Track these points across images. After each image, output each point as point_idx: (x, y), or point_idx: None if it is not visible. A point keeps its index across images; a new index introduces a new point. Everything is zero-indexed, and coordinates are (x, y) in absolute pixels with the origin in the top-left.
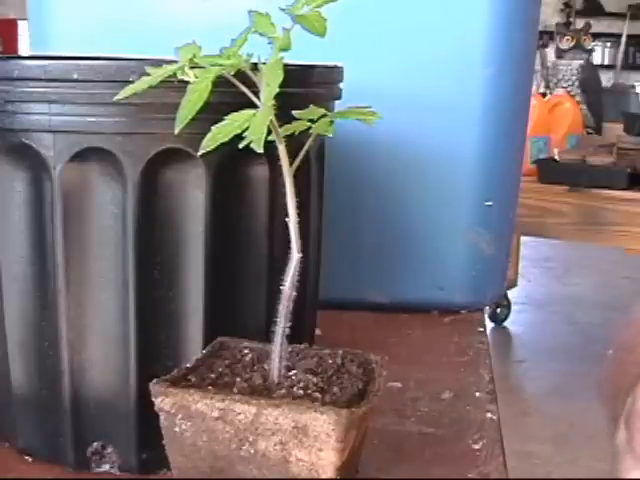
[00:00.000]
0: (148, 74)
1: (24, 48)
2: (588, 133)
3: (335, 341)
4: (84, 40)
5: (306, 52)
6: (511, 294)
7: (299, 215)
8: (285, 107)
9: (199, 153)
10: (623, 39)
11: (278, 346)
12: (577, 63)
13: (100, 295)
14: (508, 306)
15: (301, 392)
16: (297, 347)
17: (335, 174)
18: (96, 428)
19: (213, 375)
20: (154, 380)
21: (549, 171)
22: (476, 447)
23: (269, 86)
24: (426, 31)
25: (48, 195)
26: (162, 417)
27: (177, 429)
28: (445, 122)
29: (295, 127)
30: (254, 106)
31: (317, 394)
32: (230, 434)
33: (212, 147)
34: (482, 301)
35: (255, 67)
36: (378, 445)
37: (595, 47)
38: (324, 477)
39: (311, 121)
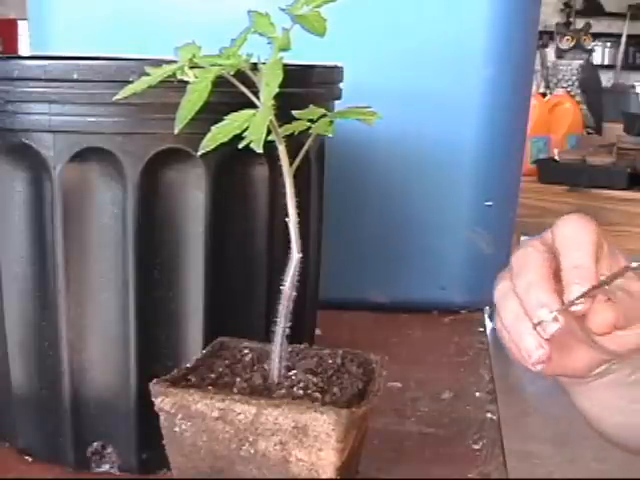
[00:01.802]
0: (148, 74)
1: (24, 48)
2: (588, 133)
3: (335, 341)
4: (84, 40)
5: (306, 52)
6: None
7: (299, 215)
8: (285, 107)
9: (199, 153)
10: (623, 39)
11: (278, 346)
12: (577, 63)
13: (100, 295)
14: None
15: (301, 392)
16: (297, 347)
17: (335, 174)
18: (96, 428)
19: (213, 375)
20: (154, 380)
21: (549, 171)
22: (476, 447)
23: (269, 86)
24: (426, 31)
25: (48, 195)
26: (162, 417)
27: (177, 429)
28: (445, 122)
29: (295, 127)
30: (254, 106)
31: (317, 394)
32: (230, 434)
33: (212, 147)
34: (482, 301)
35: (255, 67)
36: (378, 445)
37: (595, 47)
38: (324, 477)
39: (311, 121)
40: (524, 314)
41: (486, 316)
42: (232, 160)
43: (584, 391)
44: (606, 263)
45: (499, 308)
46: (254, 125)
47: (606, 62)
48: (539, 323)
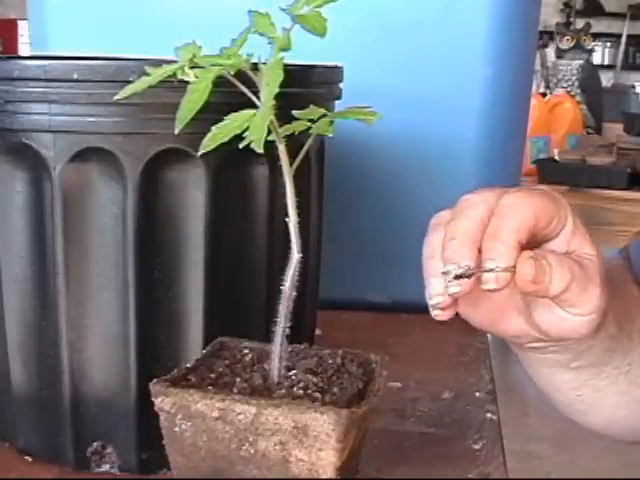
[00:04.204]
0: (148, 74)
1: (24, 48)
2: (588, 133)
3: (335, 341)
4: (84, 40)
5: (306, 52)
6: None
7: (299, 215)
8: (285, 107)
9: (199, 153)
10: (623, 39)
11: (278, 346)
12: (577, 63)
13: (100, 295)
14: None
15: (301, 392)
16: (297, 347)
17: (335, 174)
18: (96, 428)
19: (213, 375)
20: (154, 380)
21: (549, 171)
22: (476, 447)
23: (269, 86)
24: (426, 31)
25: (48, 195)
26: (162, 417)
27: (177, 429)
28: (445, 122)
29: (295, 127)
30: (254, 106)
31: (317, 394)
32: (230, 434)
33: (212, 147)
34: None
35: (255, 67)
36: (378, 445)
37: (595, 47)
38: (324, 477)
39: (311, 121)
40: (440, 255)
41: None
42: (232, 160)
43: (525, 359)
44: (561, 241)
45: (428, 234)
46: (254, 125)
47: (606, 62)
48: (446, 272)
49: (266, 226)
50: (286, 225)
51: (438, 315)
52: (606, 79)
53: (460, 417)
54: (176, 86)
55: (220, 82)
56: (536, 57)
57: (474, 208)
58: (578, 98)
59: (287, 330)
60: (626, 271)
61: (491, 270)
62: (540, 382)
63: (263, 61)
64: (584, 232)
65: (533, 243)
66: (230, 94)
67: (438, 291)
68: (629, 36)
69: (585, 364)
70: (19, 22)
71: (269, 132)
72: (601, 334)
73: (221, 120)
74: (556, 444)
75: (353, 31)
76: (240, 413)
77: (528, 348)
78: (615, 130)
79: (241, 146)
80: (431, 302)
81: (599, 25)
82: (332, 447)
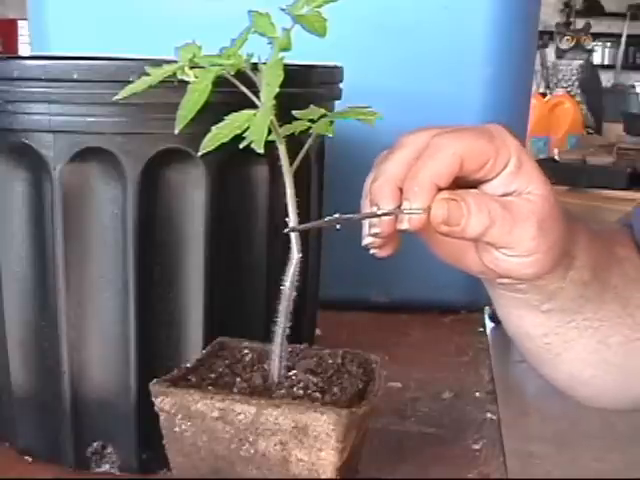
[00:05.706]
0: (148, 74)
1: (24, 48)
2: (588, 133)
3: (335, 341)
4: (84, 40)
5: (306, 52)
6: None
7: (299, 215)
8: (285, 107)
9: (199, 153)
10: (623, 39)
11: (278, 346)
12: (577, 63)
13: (100, 295)
14: None
15: (301, 392)
16: (297, 347)
17: (335, 174)
18: (96, 428)
19: (213, 375)
20: (154, 380)
21: (549, 171)
22: (476, 447)
23: (269, 86)
24: (426, 31)
25: (48, 195)
26: (162, 417)
27: (177, 429)
28: (444, 122)
29: (295, 127)
30: (254, 106)
31: (317, 394)
32: (230, 434)
33: (212, 147)
34: (482, 301)
35: (255, 67)
36: (378, 445)
37: (595, 47)
38: (324, 477)
39: (311, 121)
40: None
41: (486, 316)
42: (232, 160)
43: (497, 299)
44: (500, 182)
45: (372, 170)
46: (255, 125)
47: (606, 62)
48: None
49: (266, 226)
50: (286, 225)
51: (377, 254)
52: (606, 79)
53: (460, 417)
54: (176, 86)
55: (220, 82)
56: (536, 57)
57: (402, 149)
58: (578, 98)
59: (287, 330)
60: (623, 234)
61: (404, 211)
62: (510, 326)
63: (263, 61)
64: (532, 170)
65: (466, 184)
66: (230, 94)
67: (366, 232)
68: (629, 36)
69: (555, 308)
70: (19, 22)
71: (269, 132)
72: (573, 277)
73: (221, 120)
74: (556, 444)
75: (353, 31)
76: (240, 413)
77: (498, 285)
78: (615, 130)
79: (242, 146)
80: (363, 242)
81: (599, 25)
82: (332, 447)
